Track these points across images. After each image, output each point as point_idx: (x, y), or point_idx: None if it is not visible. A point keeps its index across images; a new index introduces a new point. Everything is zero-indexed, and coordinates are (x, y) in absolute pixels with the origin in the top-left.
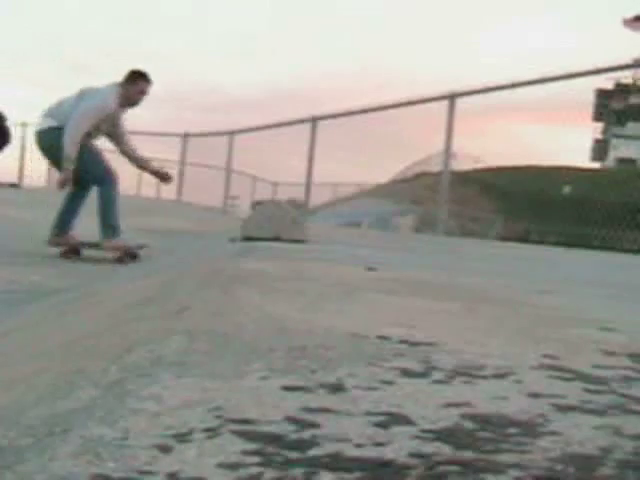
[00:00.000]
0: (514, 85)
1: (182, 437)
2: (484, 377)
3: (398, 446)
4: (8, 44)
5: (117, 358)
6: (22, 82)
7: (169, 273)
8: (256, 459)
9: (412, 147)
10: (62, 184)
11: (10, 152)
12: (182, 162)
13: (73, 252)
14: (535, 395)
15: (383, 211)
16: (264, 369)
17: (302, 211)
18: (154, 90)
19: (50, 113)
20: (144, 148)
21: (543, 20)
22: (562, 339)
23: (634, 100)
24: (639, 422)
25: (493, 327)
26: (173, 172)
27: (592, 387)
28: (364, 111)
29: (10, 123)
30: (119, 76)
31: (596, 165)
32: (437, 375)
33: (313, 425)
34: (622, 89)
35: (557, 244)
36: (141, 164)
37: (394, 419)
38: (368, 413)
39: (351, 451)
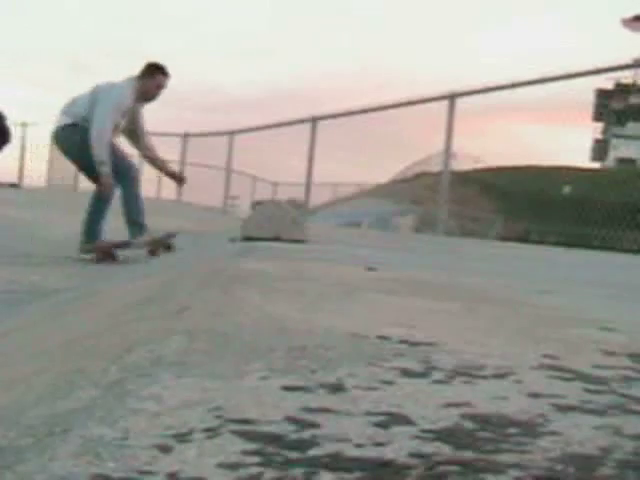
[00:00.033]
0: (514, 85)
1: (182, 437)
2: (484, 377)
3: (398, 446)
4: (8, 44)
5: (117, 358)
6: (22, 82)
7: (169, 273)
8: (256, 459)
9: (412, 147)
10: (108, 190)
11: (10, 152)
12: (182, 162)
13: (108, 256)
14: (535, 395)
15: (383, 211)
16: (264, 369)
17: (302, 211)
18: None
19: (65, 111)
20: None
21: (543, 20)
22: (562, 339)
23: (634, 100)
24: (639, 422)
25: (493, 327)
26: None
27: (592, 387)
28: (364, 111)
29: (10, 123)
30: (119, 76)
31: (596, 165)
32: (437, 375)
33: (313, 425)
34: (622, 89)
35: (557, 244)
36: (159, 165)
37: (394, 419)
38: (368, 413)
39: (351, 451)
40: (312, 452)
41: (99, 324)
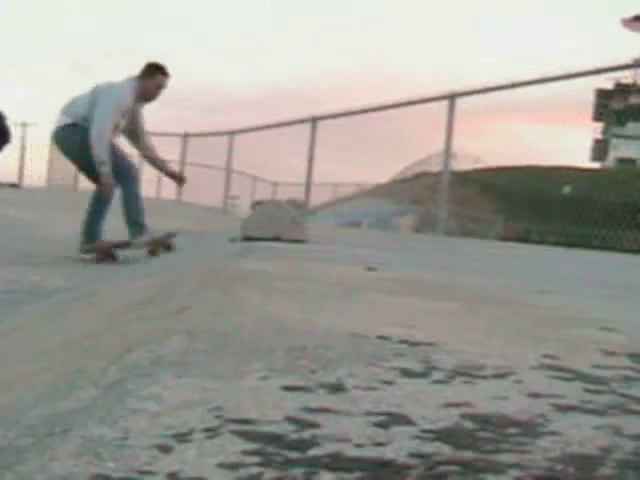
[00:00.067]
0: (514, 85)
1: (182, 437)
2: (484, 377)
3: (398, 446)
4: (8, 44)
5: (117, 358)
6: (22, 82)
7: (169, 273)
8: (256, 459)
9: (412, 147)
10: (108, 190)
11: (10, 152)
12: (182, 162)
13: (108, 256)
14: (535, 395)
15: (383, 211)
16: (264, 369)
17: (302, 211)
18: None
19: (64, 111)
20: None
21: (543, 20)
22: (562, 339)
23: (634, 100)
24: (639, 422)
25: (493, 327)
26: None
27: (592, 387)
28: (364, 111)
29: (10, 123)
30: (119, 76)
31: (596, 165)
32: (437, 375)
33: (313, 425)
34: (622, 89)
35: (557, 244)
36: (159, 165)
37: (394, 419)
38: (368, 413)
39: (351, 451)
40: (312, 452)
41: (99, 324)
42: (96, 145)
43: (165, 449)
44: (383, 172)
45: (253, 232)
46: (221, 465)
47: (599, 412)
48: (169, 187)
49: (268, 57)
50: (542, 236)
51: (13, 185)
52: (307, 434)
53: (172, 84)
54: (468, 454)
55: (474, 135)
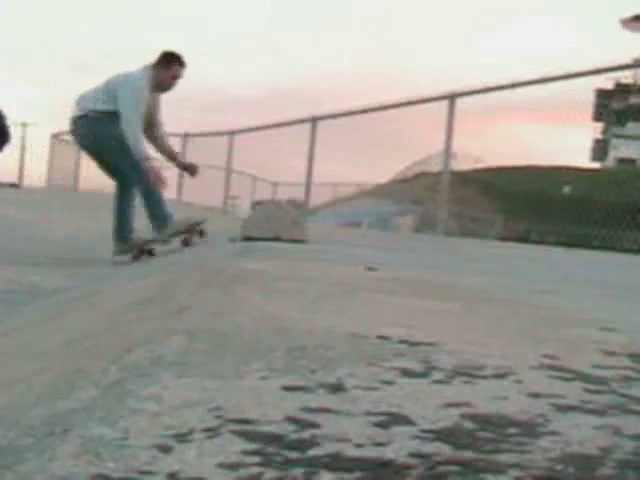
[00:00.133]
0: (514, 85)
1: (182, 437)
2: (484, 377)
3: (398, 446)
4: (8, 44)
5: (117, 358)
6: (22, 82)
7: (169, 273)
8: (256, 459)
9: (412, 147)
10: (158, 181)
11: (10, 152)
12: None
13: (144, 252)
14: (535, 395)
15: (383, 211)
16: (264, 369)
17: (302, 211)
18: None
19: (76, 102)
20: None
21: (543, 20)
22: (562, 339)
23: (634, 100)
24: (639, 422)
25: (493, 327)
26: (174, 172)
27: (592, 387)
28: (364, 111)
29: (10, 123)
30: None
31: (596, 165)
32: (437, 375)
33: (313, 425)
34: (622, 89)
35: (557, 244)
36: (171, 157)
37: (394, 419)
38: (368, 413)
39: (351, 451)
40: (312, 452)
41: (99, 324)
42: (133, 144)
43: (165, 449)
44: (383, 172)
45: (253, 232)
46: (221, 465)
47: (599, 412)
48: (169, 187)
49: (268, 57)
50: (542, 236)
51: (13, 185)
52: (307, 434)
53: None
54: (468, 454)
55: (474, 135)
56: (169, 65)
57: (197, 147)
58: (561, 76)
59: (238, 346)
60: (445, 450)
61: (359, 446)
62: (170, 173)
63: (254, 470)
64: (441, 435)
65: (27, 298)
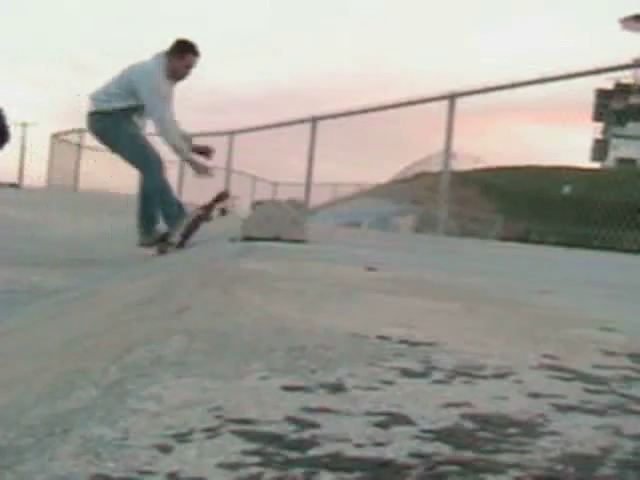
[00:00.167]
0: (514, 85)
1: (182, 437)
2: (484, 377)
3: (398, 446)
4: (8, 44)
5: (117, 358)
6: (22, 82)
7: (169, 273)
8: (256, 459)
9: (412, 147)
10: (203, 172)
11: (10, 152)
12: (182, 162)
13: (168, 244)
14: (535, 395)
15: (383, 211)
16: (264, 369)
17: (302, 211)
18: None
19: (91, 96)
20: None
21: (543, 20)
22: (562, 339)
23: (634, 100)
24: (639, 422)
25: (493, 327)
26: (174, 172)
27: (592, 387)
28: (364, 111)
29: (10, 123)
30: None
31: (596, 165)
32: (437, 375)
33: (313, 425)
34: (622, 89)
35: (557, 244)
36: (187, 141)
37: (394, 419)
38: (368, 413)
39: (351, 451)
40: (312, 452)
41: (99, 324)
42: (165, 137)
43: (165, 449)
44: (383, 172)
45: (253, 232)
46: (221, 465)
47: (599, 412)
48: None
49: (268, 57)
50: (542, 236)
51: (13, 185)
52: (307, 434)
53: None
54: (468, 454)
55: (474, 135)
56: (183, 54)
57: None
58: (561, 76)
59: (238, 346)
60: (445, 450)
61: (359, 446)
62: (170, 173)
63: (254, 470)
64: (441, 435)
65: (27, 298)
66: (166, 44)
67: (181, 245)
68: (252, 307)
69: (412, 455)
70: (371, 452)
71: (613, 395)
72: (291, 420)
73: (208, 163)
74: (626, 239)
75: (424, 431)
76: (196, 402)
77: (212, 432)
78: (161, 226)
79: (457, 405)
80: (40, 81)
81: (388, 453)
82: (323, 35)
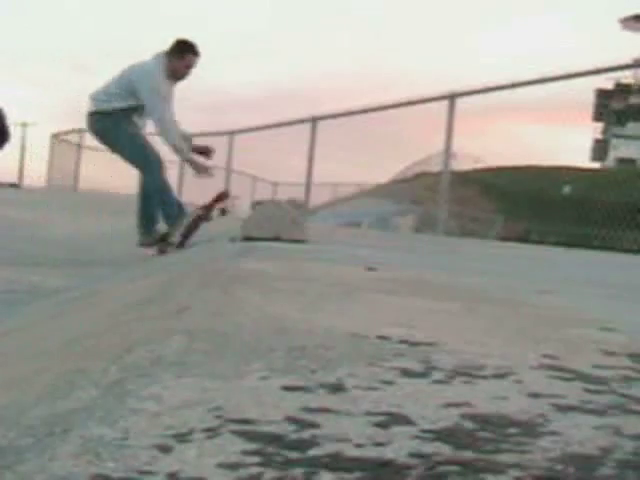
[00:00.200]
0: (514, 85)
1: (182, 437)
2: (484, 377)
3: (398, 446)
4: (8, 44)
5: (117, 358)
6: (22, 82)
7: (169, 273)
8: (256, 459)
9: (412, 147)
10: (202, 172)
11: (10, 152)
12: (182, 162)
13: (167, 244)
14: (535, 395)
15: (383, 211)
16: (264, 369)
17: (302, 211)
18: None
19: (90, 97)
20: None
21: (543, 20)
22: (562, 339)
23: (634, 100)
24: (639, 422)
25: (493, 327)
26: (174, 172)
27: (592, 387)
28: (364, 111)
29: (10, 123)
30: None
31: (596, 165)
32: (437, 375)
33: (313, 425)
34: (622, 89)
35: (557, 244)
36: (186, 141)
37: (394, 419)
38: (368, 413)
39: (351, 451)
40: (312, 452)
41: (99, 324)
42: (165, 137)
43: (165, 449)
44: (383, 172)
45: (253, 232)
46: (221, 465)
47: (599, 412)
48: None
49: (268, 57)
50: (542, 236)
51: (13, 185)
52: (307, 434)
53: None
54: (468, 454)
55: (474, 135)
56: (183, 54)
57: None
58: (561, 76)
59: (238, 346)
60: (445, 450)
61: (359, 446)
62: (170, 173)
63: (254, 470)
64: (441, 435)
65: (27, 298)
66: (166, 44)
67: (181, 245)
68: (252, 307)
69: (412, 455)
70: (371, 452)
71: (613, 395)
72: (291, 420)
73: (208, 163)
74: (626, 239)
75: (424, 431)
76: (196, 402)
77: (212, 432)
78: (161, 226)
79: (457, 405)
80: (40, 81)
81: (388, 453)
82: (323, 35)
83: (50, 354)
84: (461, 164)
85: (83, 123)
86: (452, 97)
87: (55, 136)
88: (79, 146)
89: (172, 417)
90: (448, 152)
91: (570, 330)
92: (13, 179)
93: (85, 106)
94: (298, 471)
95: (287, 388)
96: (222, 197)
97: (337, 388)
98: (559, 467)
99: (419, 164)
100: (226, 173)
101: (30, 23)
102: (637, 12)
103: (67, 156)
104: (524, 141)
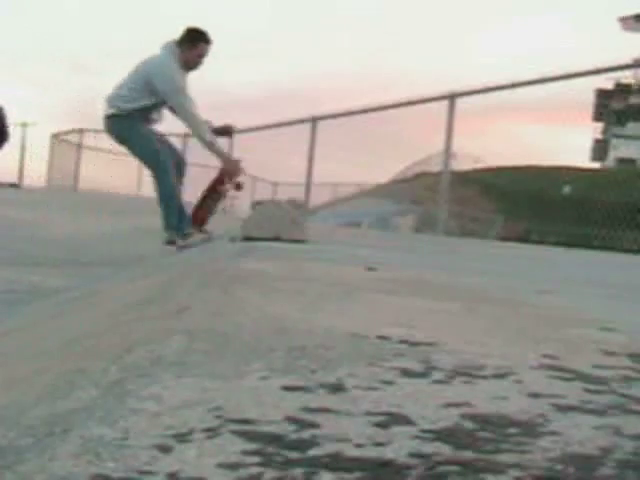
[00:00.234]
0: (514, 85)
1: (182, 437)
2: (484, 377)
3: (398, 446)
4: (8, 44)
5: (117, 358)
6: (22, 82)
7: (169, 273)
8: (256, 459)
9: (412, 147)
10: (234, 168)
11: (10, 152)
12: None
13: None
14: (535, 395)
15: (383, 211)
16: (264, 369)
17: (302, 211)
18: None
19: (106, 99)
20: None
21: (543, 20)
22: (562, 339)
23: (634, 100)
24: (639, 422)
25: (493, 327)
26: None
27: (592, 387)
28: (364, 111)
29: (10, 123)
30: (118, 76)
31: (596, 165)
32: (437, 375)
33: (313, 425)
34: (622, 89)
35: (557, 244)
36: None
37: (394, 419)
38: (368, 413)
39: (351, 451)
40: (312, 452)
41: (99, 324)
42: (196, 134)
43: (165, 449)
44: (383, 172)
45: (253, 232)
46: (221, 465)
47: (599, 412)
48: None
49: (268, 57)
50: (542, 236)
51: (13, 185)
52: (307, 434)
53: None
54: (468, 454)
55: (474, 135)
56: (194, 43)
57: (197, 147)
58: (561, 76)
59: (238, 346)
60: (445, 450)
61: (359, 446)
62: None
63: (254, 470)
64: (441, 435)
65: (27, 298)
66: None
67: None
68: (252, 307)
69: (412, 455)
70: (371, 452)
71: (613, 395)
72: (291, 420)
73: (235, 156)
74: (626, 239)
75: (424, 431)
76: (196, 402)
77: (212, 432)
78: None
79: (457, 405)
80: (40, 81)
81: (388, 453)
82: (323, 35)
83: (50, 354)
84: (461, 164)
85: (83, 123)
86: (452, 97)
87: (55, 136)
88: (79, 146)
89: (172, 417)
90: (448, 152)
91: (570, 330)
92: (13, 179)
93: (101, 109)
94: (298, 471)
95: (287, 388)
96: (239, 187)
97: (337, 388)
98: (559, 467)
99: (419, 164)
100: None
101: (30, 23)
102: (637, 12)
103: (67, 156)
104: (524, 141)
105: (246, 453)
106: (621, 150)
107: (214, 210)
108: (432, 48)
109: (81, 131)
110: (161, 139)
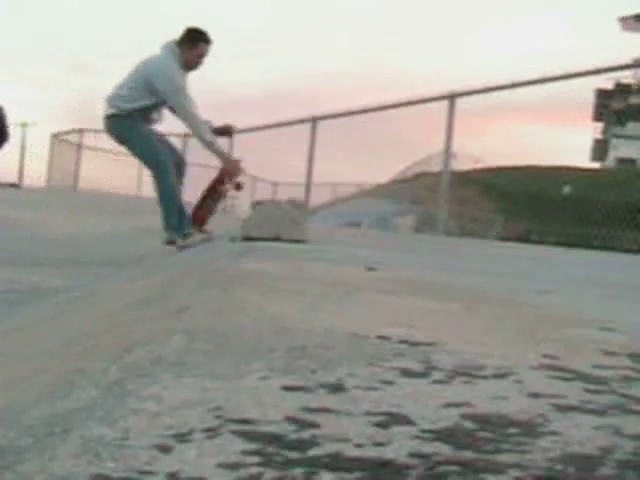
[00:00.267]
0: (514, 85)
1: (182, 437)
2: (484, 377)
3: (398, 446)
4: (8, 44)
5: (117, 358)
6: (22, 82)
7: (169, 273)
8: (256, 459)
9: (412, 147)
10: (234, 167)
11: (10, 152)
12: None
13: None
14: (535, 395)
15: (383, 211)
16: (264, 369)
17: (302, 211)
18: None
19: (106, 99)
20: None
21: (543, 20)
22: (562, 339)
23: (634, 100)
24: (639, 422)
25: (493, 327)
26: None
27: (592, 387)
28: (364, 111)
29: (10, 123)
30: (118, 76)
31: (596, 165)
32: (437, 375)
33: (313, 425)
34: (622, 89)
35: (557, 244)
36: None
37: (394, 419)
38: (368, 413)
39: (351, 451)
40: (312, 452)
41: (99, 324)
42: (196, 134)
43: (165, 449)
44: (383, 172)
45: (253, 232)
46: (221, 465)
47: (599, 412)
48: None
49: (268, 57)
50: (542, 236)
51: (13, 185)
52: (307, 434)
53: None
54: (468, 454)
55: (474, 135)
56: (194, 43)
57: (197, 147)
58: (561, 76)
59: (238, 346)
60: (445, 450)
61: (359, 446)
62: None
63: (254, 470)
64: (441, 435)
65: (27, 298)
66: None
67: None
68: (252, 307)
69: (412, 455)
70: (371, 452)
71: (613, 395)
72: (291, 420)
73: (235, 156)
74: (626, 239)
75: (424, 431)
76: (196, 402)
77: (212, 432)
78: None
79: (457, 405)
80: (40, 81)
81: (388, 453)
82: (323, 35)
83: (50, 354)
84: (461, 164)
85: (83, 123)
86: (452, 97)
87: (55, 136)
88: (79, 146)
89: (172, 417)
90: (448, 152)
91: (570, 330)
92: (13, 179)
93: (101, 109)
94: (298, 471)
95: (287, 388)
96: (239, 187)
97: (337, 388)
98: (559, 467)
99: (419, 164)
100: None
101: (30, 23)
102: (637, 12)
103: (67, 156)
104: (524, 141)
105: (246, 453)
106: (621, 150)
107: (214, 210)
108: (432, 48)
109: (81, 131)
110: (161, 139)
